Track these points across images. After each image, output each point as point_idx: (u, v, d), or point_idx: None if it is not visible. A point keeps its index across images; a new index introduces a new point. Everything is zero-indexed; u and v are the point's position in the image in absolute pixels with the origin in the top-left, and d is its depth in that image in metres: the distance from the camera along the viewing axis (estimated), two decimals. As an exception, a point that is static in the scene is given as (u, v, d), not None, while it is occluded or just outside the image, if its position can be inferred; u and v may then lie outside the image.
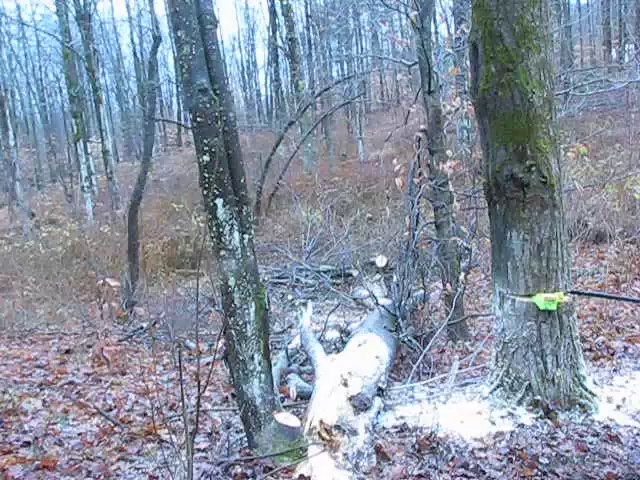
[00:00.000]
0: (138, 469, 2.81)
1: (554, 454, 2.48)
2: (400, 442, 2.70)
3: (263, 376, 2.67)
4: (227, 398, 4.02)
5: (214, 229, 2.59)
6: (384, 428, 2.87)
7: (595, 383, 3.08)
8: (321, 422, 2.61)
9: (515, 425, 2.76)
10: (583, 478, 2.30)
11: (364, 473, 2.45)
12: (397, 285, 4.88)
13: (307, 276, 8.56)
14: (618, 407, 2.89)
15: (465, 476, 2.37)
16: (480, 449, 2.58)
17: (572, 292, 2.95)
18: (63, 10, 16.98)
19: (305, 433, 2.65)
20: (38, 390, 4.14)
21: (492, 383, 3.04)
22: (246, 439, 2.73)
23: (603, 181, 8.36)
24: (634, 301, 5.07)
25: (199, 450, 2.92)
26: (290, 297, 7.79)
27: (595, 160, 10.54)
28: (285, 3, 17.17)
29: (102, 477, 2.71)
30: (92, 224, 14.76)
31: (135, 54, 29.29)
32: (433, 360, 4.26)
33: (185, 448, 2.22)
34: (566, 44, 19.02)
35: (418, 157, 5.02)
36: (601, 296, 5.07)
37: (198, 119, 2.55)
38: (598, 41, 23.31)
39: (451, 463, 2.47)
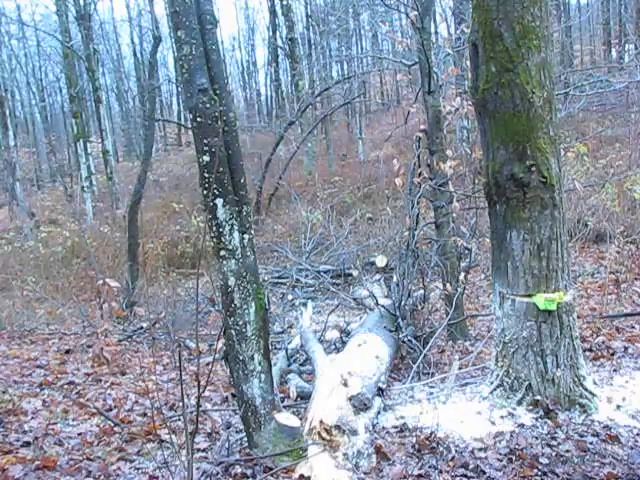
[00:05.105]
0: (138, 469, 2.81)
1: (554, 454, 2.47)
2: (400, 442, 2.70)
3: (263, 376, 2.67)
4: (227, 398, 4.02)
5: (214, 229, 2.59)
6: (384, 428, 2.87)
7: (595, 383, 3.07)
8: (321, 422, 2.61)
9: (515, 425, 2.76)
10: (583, 478, 2.30)
11: (364, 473, 2.45)
12: (397, 285, 4.88)
13: (307, 276, 8.56)
14: (618, 407, 2.89)
15: (465, 476, 2.37)
16: (480, 449, 2.57)
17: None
18: (63, 10, 17.00)
19: (305, 433, 2.65)
20: (38, 390, 4.14)
21: (492, 383, 3.04)
22: (246, 439, 2.73)
23: (603, 181, 8.36)
24: None
25: (199, 450, 2.91)
26: (290, 297, 7.79)
27: (595, 160, 10.53)
28: (285, 3, 17.19)
29: (102, 477, 2.70)
30: (92, 224, 14.78)
31: (135, 54, 29.32)
32: (433, 360, 4.26)
33: (185, 448, 2.22)
34: (566, 44, 19.01)
35: (418, 157, 5.02)
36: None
37: (198, 119, 2.55)
38: (598, 41, 23.32)
39: (451, 463, 2.46)
